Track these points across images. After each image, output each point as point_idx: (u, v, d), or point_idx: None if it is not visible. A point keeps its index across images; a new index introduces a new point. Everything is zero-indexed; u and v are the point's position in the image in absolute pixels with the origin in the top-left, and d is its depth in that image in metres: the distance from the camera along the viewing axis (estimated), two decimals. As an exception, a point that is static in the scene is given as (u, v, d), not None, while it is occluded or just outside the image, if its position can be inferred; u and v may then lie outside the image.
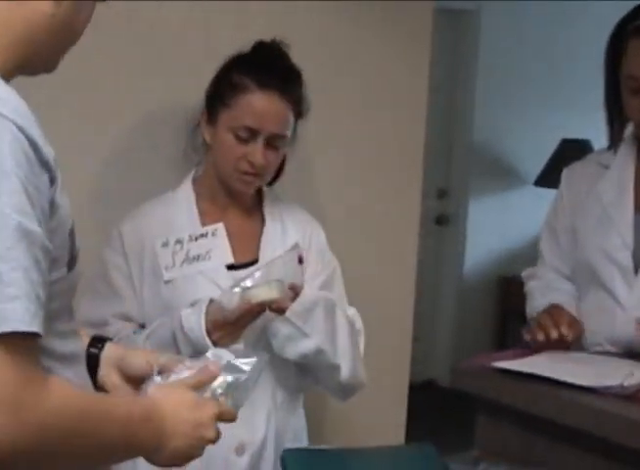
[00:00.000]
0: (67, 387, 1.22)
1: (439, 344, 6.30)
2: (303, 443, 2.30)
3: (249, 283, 2.03)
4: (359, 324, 2.33)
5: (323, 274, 2.32)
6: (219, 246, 2.19)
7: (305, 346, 2.13)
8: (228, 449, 2.13)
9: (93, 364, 1.65)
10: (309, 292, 2.16)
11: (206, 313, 2.04)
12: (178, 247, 2.18)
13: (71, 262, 1.32)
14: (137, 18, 2.50)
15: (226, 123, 2.17)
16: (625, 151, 2.48)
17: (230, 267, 2.20)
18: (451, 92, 6.05)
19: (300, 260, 2.22)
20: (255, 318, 2.07)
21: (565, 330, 2.29)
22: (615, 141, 2.48)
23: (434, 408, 5.50)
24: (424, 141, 3.15)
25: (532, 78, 6.06)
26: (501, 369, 2.20)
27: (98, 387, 1.65)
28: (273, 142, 2.17)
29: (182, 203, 2.26)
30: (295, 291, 2.10)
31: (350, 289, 2.40)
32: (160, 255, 2.18)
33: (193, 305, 2.09)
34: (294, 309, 2.09)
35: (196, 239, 2.19)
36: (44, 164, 1.21)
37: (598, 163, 2.52)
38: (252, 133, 2.14)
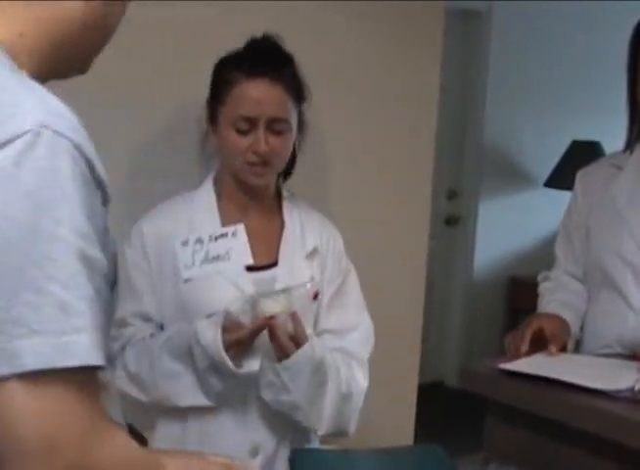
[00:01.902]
0: (129, 441, 1.17)
1: (449, 344, 6.30)
2: (314, 443, 2.30)
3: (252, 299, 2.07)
4: (361, 382, 2.28)
5: (338, 280, 2.33)
6: (239, 246, 2.18)
7: (284, 398, 2.13)
8: (242, 451, 2.14)
9: None
10: (309, 347, 2.12)
11: (223, 329, 2.03)
12: (198, 246, 2.18)
13: (114, 284, 1.29)
14: (157, 20, 2.51)
15: (225, 120, 2.17)
16: None
17: (249, 269, 2.20)
18: (462, 93, 6.04)
19: (315, 296, 2.23)
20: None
21: (524, 348, 2.30)
22: (631, 142, 2.48)
23: (444, 409, 5.50)
24: (434, 142, 3.15)
25: (543, 80, 6.05)
26: (510, 371, 2.19)
27: None
28: (274, 127, 2.16)
29: (203, 202, 2.26)
30: (295, 320, 2.09)
31: (360, 289, 2.40)
32: (180, 253, 2.17)
33: (209, 316, 2.08)
34: (285, 364, 2.08)
35: (216, 239, 2.18)
36: (99, 184, 1.17)
37: (612, 164, 2.52)
38: (251, 122, 2.14)
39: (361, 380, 2.29)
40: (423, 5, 3.00)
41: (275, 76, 2.15)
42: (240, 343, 2.04)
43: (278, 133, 2.17)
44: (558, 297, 2.53)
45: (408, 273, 3.16)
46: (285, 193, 2.35)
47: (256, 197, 2.27)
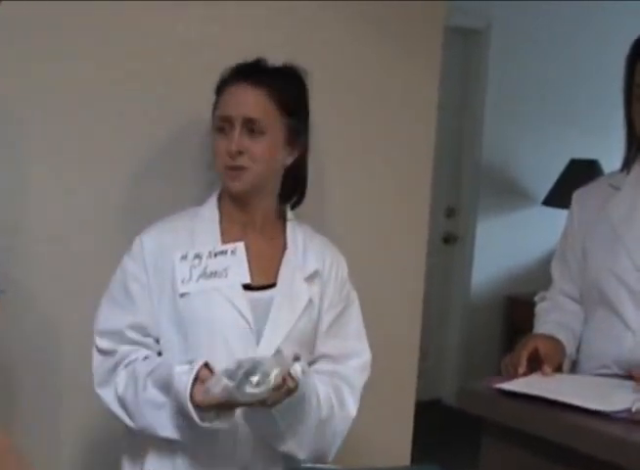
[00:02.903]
0: None
1: (446, 362, 6.28)
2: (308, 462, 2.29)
3: (237, 378, 1.89)
4: (350, 408, 2.25)
5: (339, 306, 2.31)
6: (238, 265, 2.18)
7: (266, 429, 2.10)
8: None
9: None
10: (300, 393, 2.04)
11: (199, 380, 1.97)
12: (197, 261, 2.17)
13: None
14: (161, 34, 2.52)
15: (212, 125, 2.22)
16: (638, 172, 2.46)
17: (247, 288, 2.18)
18: (460, 111, 6.05)
19: (296, 358, 2.06)
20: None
21: (521, 370, 2.30)
22: (629, 162, 2.47)
23: (441, 427, 5.48)
24: (432, 159, 3.15)
25: (542, 97, 6.06)
26: (507, 391, 2.18)
27: None
28: (250, 127, 2.16)
29: (206, 219, 2.25)
30: (285, 383, 1.96)
31: (360, 310, 2.39)
32: (178, 267, 2.17)
33: (190, 362, 2.03)
34: (275, 409, 2.01)
35: (215, 255, 2.18)
36: None
37: (609, 184, 2.51)
38: (229, 123, 2.16)
39: (350, 406, 2.26)
40: (422, 23, 3.01)
41: (257, 81, 2.18)
42: (205, 407, 1.96)
43: (252, 135, 2.16)
44: (554, 317, 2.52)
45: (406, 291, 3.16)
46: (290, 216, 2.34)
47: (255, 214, 2.26)
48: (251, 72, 2.20)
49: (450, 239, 6.20)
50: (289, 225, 2.31)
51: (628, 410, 2.03)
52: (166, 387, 2.05)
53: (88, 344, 2.22)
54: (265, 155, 2.19)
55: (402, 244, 3.11)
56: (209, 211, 2.26)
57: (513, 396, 2.16)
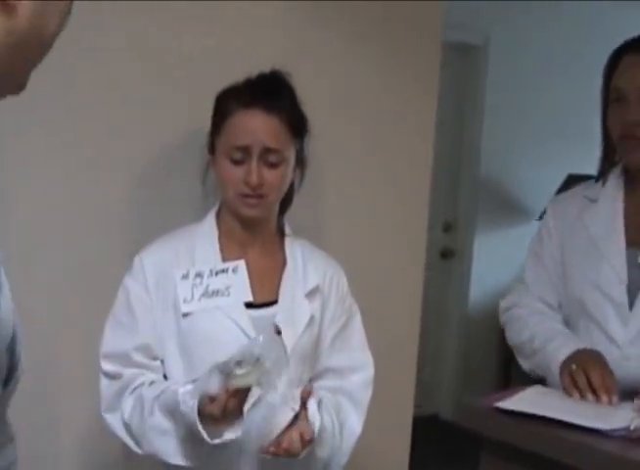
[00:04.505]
0: None
1: (444, 378, 6.28)
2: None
3: (228, 368, 1.93)
4: (355, 427, 2.27)
5: (341, 319, 2.31)
6: (239, 283, 2.17)
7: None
8: None
9: None
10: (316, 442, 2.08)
11: (200, 402, 1.97)
12: (198, 280, 2.16)
13: (8, 378, 1.16)
14: (159, 50, 2.53)
15: (221, 150, 2.17)
16: (614, 184, 2.45)
17: (248, 305, 2.18)
18: (458, 126, 6.07)
19: (278, 332, 2.15)
20: (242, 401, 1.97)
21: (605, 398, 2.18)
22: (604, 173, 2.47)
23: (438, 442, 5.48)
24: (430, 174, 3.15)
25: (539, 112, 6.08)
26: (506, 409, 2.17)
27: None
28: (268, 158, 2.14)
29: (205, 237, 2.24)
30: (304, 438, 2.00)
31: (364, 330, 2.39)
32: (180, 287, 2.15)
33: (194, 381, 2.03)
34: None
35: (216, 274, 2.17)
36: None
37: (585, 196, 2.49)
38: (245, 152, 2.13)
39: (355, 425, 2.27)
40: (420, 38, 3.02)
41: (270, 107, 2.14)
42: (214, 416, 1.96)
43: (271, 165, 2.15)
44: (551, 327, 2.47)
45: (404, 305, 3.16)
46: (287, 230, 2.33)
47: (257, 232, 2.25)
48: (261, 96, 2.15)
49: (448, 253, 6.21)
50: (287, 240, 2.31)
51: (627, 428, 2.02)
52: (172, 411, 2.04)
53: (87, 359, 2.22)
54: (282, 182, 2.20)
55: (400, 258, 3.12)
56: (208, 229, 2.25)
57: (511, 412, 2.15)
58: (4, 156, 2.38)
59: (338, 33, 2.84)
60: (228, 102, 2.18)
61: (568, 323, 2.49)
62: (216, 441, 1.98)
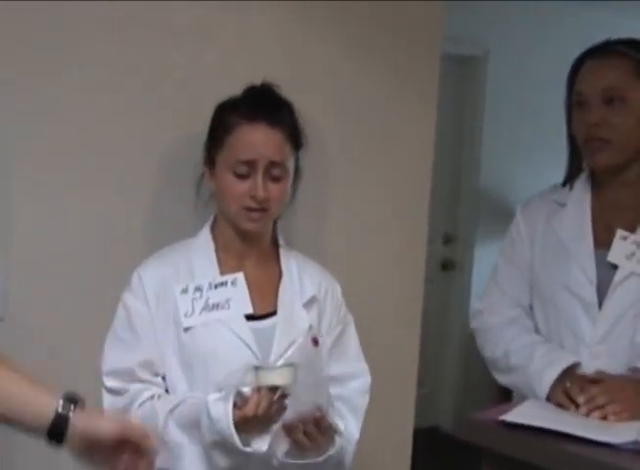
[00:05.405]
0: None
1: (444, 390, 6.27)
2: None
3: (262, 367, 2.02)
4: (354, 433, 2.29)
5: (338, 328, 2.32)
6: (239, 295, 2.17)
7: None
8: None
9: (62, 426, 1.64)
10: (338, 443, 2.15)
11: (234, 405, 2.00)
12: (197, 294, 2.16)
13: None
14: (154, 64, 2.53)
15: (223, 164, 2.16)
16: (581, 188, 2.50)
17: (249, 317, 2.18)
18: (458, 137, 6.07)
19: (316, 343, 2.21)
20: (279, 410, 2.02)
21: (613, 418, 2.18)
22: (571, 178, 2.51)
23: (439, 454, 5.46)
24: (430, 186, 3.15)
25: (539, 124, 6.08)
26: (509, 422, 2.16)
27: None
28: (272, 172, 2.15)
29: (201, 250, 2.24)
30: (320, 413, 2.07)
31: (357, 334, 2.40)
32: (180, 301, 2.16)
33: (220, 389, 2.05)
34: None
35: (215, 287, 2.17)
36: None
37: (553, 200, 2.53)
38: (250, 166, 2.13)
39: (354, 430, 2.28)
40: (419, 50, 3.02)
41: (273, 121, 2.15)
42: (247, 420, 1.99)
43: (275, 179, 2.16)
44: (536, 344, 2.49)
45: (404, 317, 3.15)
46: (281, 241, 2.34)
47: (253, 244, 2.26)
48: (264, 110, 2.16)
49: (448, 265, 6.21)
50: (282, 252, 2.32)
51: (635, 441, 2.01)
52: (191, 423, 2.05)
53: (89, 373, 2.21)
54: (285, 196, 2.21)
55: (400, 270, 3.11)
56: (205, 243, 2.25)
57: (513, 425, 2.14)
58: (9, 182, 2.39)
59: (336, 45, 2.84)
60: (230, 115, 2.18)
61: (537, 325, 2.51)
62: (248, 449, 2.01)
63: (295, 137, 2.21)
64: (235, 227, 2.22)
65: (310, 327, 2.23)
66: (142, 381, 2.15)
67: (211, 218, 2.30)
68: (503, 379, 2.58)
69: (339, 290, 2.37)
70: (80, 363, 2.37)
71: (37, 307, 2.46)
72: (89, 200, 2.51)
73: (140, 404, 2.12)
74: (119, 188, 2.53)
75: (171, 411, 2.09)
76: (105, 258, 2.53)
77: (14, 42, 2.33)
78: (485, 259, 6.08)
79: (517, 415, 2.18)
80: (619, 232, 2.36)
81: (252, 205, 2.14)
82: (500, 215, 6.13)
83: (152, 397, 2.13)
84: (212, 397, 2.03)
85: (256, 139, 2.14)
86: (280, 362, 2.05)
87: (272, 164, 2.14)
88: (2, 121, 2.34)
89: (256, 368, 1.99)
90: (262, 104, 2.18)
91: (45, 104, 2.39)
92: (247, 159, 2.13)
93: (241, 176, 2.14)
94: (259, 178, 2.13)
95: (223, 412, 1.99)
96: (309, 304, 2.27)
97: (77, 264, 2.50)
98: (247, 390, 1.98)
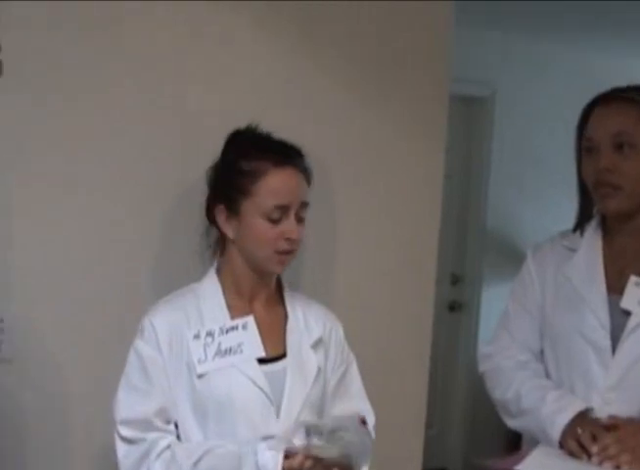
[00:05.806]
0: None
1: (452, 431, 6.23)
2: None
3: (316, 439, 2.06)
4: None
5: (342, 368, 2.34)
6: (250, 339, 2.18)
7: None
8: None
9: None
10: None
11: (285, 456, 2.03)
12: (209, 339, 2.16)
13: None
14: (143, 99, 2.54)
15: (253, 211, 2.16)
16: (592, 234, 2.49)
17: (260, 360, 2.18)
18: (465, 178, 6.08)
19: (364, 423, 2.22)
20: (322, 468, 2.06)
21: (626, 468, 2.17)
22: (582, 223, 2.51)
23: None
24: (438, 227, 3.15)
25: (546, 165, 6.09)
26: None
27: None
28: (300, 213, 2.19)
29: (210, 295, 2.24)
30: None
31: (364, 375, 2.39)
32: (193, 347, 2.15)
33: (265, 438, 2.08)
34: None
35: (226, 332, 2.17)
36: None
37: (564, 246, 2.53)
38: (283, 210, 2.15)
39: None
40: (428, 91, 3.03)
41: (297, 163, 2.20)
42: None
43: (301, 220, 2.20)
44: (545, 384, 2.47)
45: (412, 359, 3.14)
46: (285, 284, 2.35)
47: (263, 286, 2.27)
48: (289, 154, 2.20)
49: (455, 306, 6.19)
50: (286, 294, 2.33)
51: None
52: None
53: (96, 394, 2.20)
54: (303, 236, 2.24)
55: (408, 311, 3.11)
56: (212, 287, 2.25)
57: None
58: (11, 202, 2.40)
59: (345, 88, 2.85)
60: (256, 162, 2.17)
61: (547, 370, 2.50)
62: None
63: (310, 178, 2.25)
64: (256, 271, 2.23)
65: (319, 369, 2.24)
66: (158, 429, 2.14)
67: (215, 263, 2.30)
68: (513, 423, 2.57)
69: (341, 330, 2.38)
70: (80, 365, 2.37)
71: (38, 310, 2.47)
72: (90, 207, 2.51)
73: (158, 455, 2.11)
74: (117, 195, 2.54)
75: (196, 464, 2.08)
76: (106, 265, 2.54)
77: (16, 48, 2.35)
78: (492, 301, 6.07)
79: (530, 466, 2.16)
80: (633, 278, 2.36)
81: (287, 247, 2.17)
82: (507, 257, 6.13)
83: (168, 446, 2.12)
84: (261, 445, 2.05)
85: (288, 184, 2.17)
86: (330, 425, 2.09)
87: (302, 205, 2.19)
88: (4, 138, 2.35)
89: (308, 428, 2.07)
90: (285, 147, 2.22)
91: (50, 140, 2.40)
92: (283, 203, 2.15)
93: (274, 221, 2.15)
94: (293, 221, 2.17)
95: (273, 461, 2.02)
96: (316, 345, 2.28)
97: (78, 268, 2.51)
98: (297, 443, 2.04)
